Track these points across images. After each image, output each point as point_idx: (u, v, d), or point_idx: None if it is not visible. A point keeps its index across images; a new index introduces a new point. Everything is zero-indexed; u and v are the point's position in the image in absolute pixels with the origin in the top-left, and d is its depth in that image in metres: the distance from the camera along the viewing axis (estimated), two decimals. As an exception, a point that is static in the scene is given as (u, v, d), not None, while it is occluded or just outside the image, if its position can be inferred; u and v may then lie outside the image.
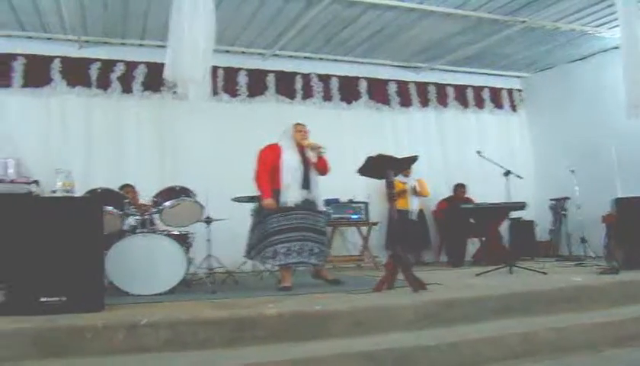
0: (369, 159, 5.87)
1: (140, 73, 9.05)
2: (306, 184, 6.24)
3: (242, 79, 9.63)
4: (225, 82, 9.45)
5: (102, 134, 8.74)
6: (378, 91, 10.55)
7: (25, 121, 8.48)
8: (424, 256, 9.98)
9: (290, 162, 6.18)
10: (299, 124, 6.43)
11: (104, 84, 8.93)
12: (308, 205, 6.23)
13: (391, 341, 4.61)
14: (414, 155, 6.33)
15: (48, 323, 4.42)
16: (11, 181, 5.15)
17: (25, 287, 4.61)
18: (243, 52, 9.61)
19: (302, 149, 6.32)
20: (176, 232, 6.48)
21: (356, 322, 4.87)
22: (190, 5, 5.28)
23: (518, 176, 7.84)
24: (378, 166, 5.94)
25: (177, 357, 4.35)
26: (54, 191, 5.02)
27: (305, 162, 6.29)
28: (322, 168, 6.43)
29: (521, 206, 7.72)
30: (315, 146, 6.32)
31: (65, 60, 8.84)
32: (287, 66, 10.01)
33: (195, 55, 5.22)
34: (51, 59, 8.80)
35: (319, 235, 6.29)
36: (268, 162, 6.19)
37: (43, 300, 4.61)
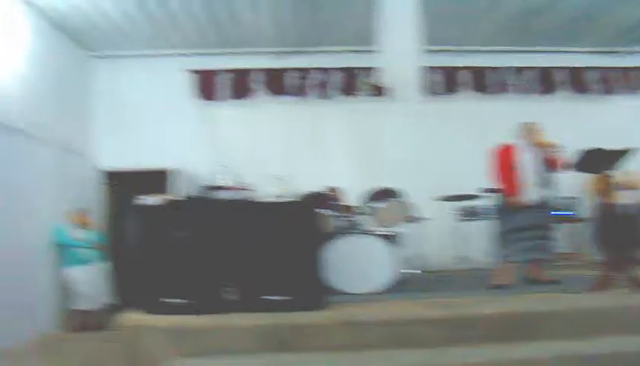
0: (586, 153, 5.63)
1: (336, 79, 9.29)
2: (542, 182, 6.14)
3: (437, 78, 9.55)
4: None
5: (302, 140, 9.08)
6: (577, 80, 9.94)
7: (233, 131, 9.09)
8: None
9: (526, 161, 6.12)
10: (530, 123, 6.34)
11: (301, 91, 9.30)
12: (543, 203, 6.16)
13: (613, 345, 4.36)
14: (628, 147, 5.96)
15: (275, 320, 4.67)
16: (233, 188, 5.48)
17: (253, 286, 4.90)
18: (435, 51, 9.52)
19: (536, 148, 6.22)
20: (385, 232, 6.57)
21: (574, 324, 4.66)
22: (395, 10, 5.34)
23: None
24: (590, 160, 5.69)
25: (397, 355, 4.41)
26: (271, 196, 5.29)
27: (541, 160, 6.18)
28: (557, 166, 6.27)
29: None
30: (549, 144, 6.20)
31: (264, 72, 9.33)
32: (480, 61, 9.74)
33: (404, 57, 5.29)
34: (252, 71, 9.33)
35: (548, 232, 6.26)
36: (505, 161, 6.17)
37: (269, 298, 4.86)
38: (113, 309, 7.63)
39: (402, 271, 6.19)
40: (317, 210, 5.35)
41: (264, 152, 8.86)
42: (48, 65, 7.89)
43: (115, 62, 9.36)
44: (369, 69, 9.02)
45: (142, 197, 5.40)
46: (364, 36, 8.34)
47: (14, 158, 7.00)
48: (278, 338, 4.58)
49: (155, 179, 8.71)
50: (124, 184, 9.46)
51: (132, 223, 5.32)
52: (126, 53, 9.29)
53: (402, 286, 6.21)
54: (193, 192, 7.65)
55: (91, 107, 9.25)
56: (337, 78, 9.30)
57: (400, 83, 5.51)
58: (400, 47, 5.35)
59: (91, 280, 7.59)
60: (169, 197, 5.61)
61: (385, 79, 5.51)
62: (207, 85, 9.28)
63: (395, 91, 5.61)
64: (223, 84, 9.28)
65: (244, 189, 5.53)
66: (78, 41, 8.78)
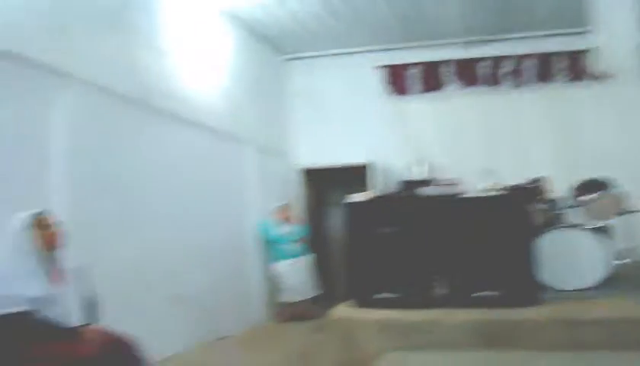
0: None
1: (530, 65, 8.91)
2: None
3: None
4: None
5: (499, 131, 8.79)
6: None
7: (426, 125, 9.07)
8: None
9: None
10: None
11: (494, 80, 9.03)
12: None
13: None
14: None
15: (486, 316, 4.64)
16: (437, 183, 5.52)
17: (463, 281, 4.90)
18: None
19: None
20: (596, 226, 6.25)
21: None
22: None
23: None
24: None
25: (615, 358, 4.19)
26: (477, 190, 5.24)
27: None
28: None
29: None
30: None
31: (455, 63, 9.19)
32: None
33: (621, 39, 4.97)
34: (442, 63, 9.23)
35: None
36: None
37: (478, 294, 4.84)
38: (320, 300, 8.01)
39: (615, 265, 5.85)
40: (526, 203, 5.22)
41: (459, 145, 8.76)
42: (248, 73, 8.38)
43: (308, 63, 9.70)
44: (566, 52, 8.65)
45: (349, 194, 5.60)
46: (560, 18, 8.03)
47: (225, 160, 7.55)
48: (489, 334, 4.54)
49: (351, 175, 8.95)
50: (322, 181, 9.85)
51: (341, 220, 5.54)
52: (318, 54, 9.57)
53: (616, 282, 5.88)
54: (393, 187, 7.81)
55: (288, 109, 9.69)
56: (532, 65, 8.91)
57: (614, 65, 5.17)
58: (616, 26, 4.99)
59: (297, 274, 7.97)
60: (374, 193, 5.73)
61: (597, 61, 5.20)
62: (398, 79, 9.33)
63: (607, 74, 5.28)
64: (413, 77, 9.28)
65: (449, 184, 5.54)
66: (273, 47, 9.22)
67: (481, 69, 9.09)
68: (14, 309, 3.41)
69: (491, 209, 4.94)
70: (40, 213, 3.78)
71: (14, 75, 4.30)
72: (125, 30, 5.72)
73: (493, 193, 5.12)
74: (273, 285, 8.11)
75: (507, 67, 9.00)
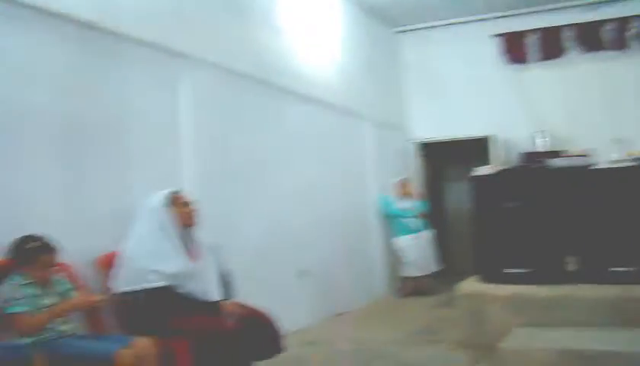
0: None
1: (662, 25, 8.36)
2: None
3: None
4: None
5: (626, 98, 8.29)
6: None
7: (547, 94, 8.71)
8: None
9: None
10: None
11: (621, 44, 8.48)
12: None
13: None
14: None
15: (620, 292, 4.49)
16: (567, 155, 5.32)
17: (595, 256, 4.74)
18: None
19: None
20: None
21: None
22: None
23: None
24: None
25: None
26: (610, 161, 5.04)
27: None
28: None
29: None
30: None
31: (576, 27, 8.71)
32: None
33: None
34: (562, 28, 8.79)
35: None
36: None
37: (613, 269, 4.67)
38: (440, 276, 7.99)
39: None
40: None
41: (583, 114, 8.34)
42: (361, 48, 8.38)
43: (420, 34, 9.56)
44: None
45: (468, 168, 5.52)
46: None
47: (344, 136, 7.63)
48: (624, 312, 4.39)
49: (468, 149, 8.80)
50: (438, 155, 9.73)
51: (466, 194, 5.47)
52: (430, 25, 9.40)
53: None
54: (515, 159, 7.62)
55: (402, 82, 9.61)
56: (664, 24, 8.35)
57: None
58: None
59: (418, 249, 7.96)
60: (500, 166, 5.62)
61: None
62: (515, 47, 8.99)
63: None
64: (532, 44, 8.90)
65: (579, 155, 5.36)
66: (384, 20, 9.13)
67: (606, 32, 8.58)
68: (158, 284, 3.60)
69: (625, 180, 4.74)
70: (175, 192, 3.95)
71: (148, 61, 4.57)
72: (241, 9, 5.85)
73: (627, 163, 4.88)
74: (395, 260, 8.15)
75: (634, 28, 8.47)
